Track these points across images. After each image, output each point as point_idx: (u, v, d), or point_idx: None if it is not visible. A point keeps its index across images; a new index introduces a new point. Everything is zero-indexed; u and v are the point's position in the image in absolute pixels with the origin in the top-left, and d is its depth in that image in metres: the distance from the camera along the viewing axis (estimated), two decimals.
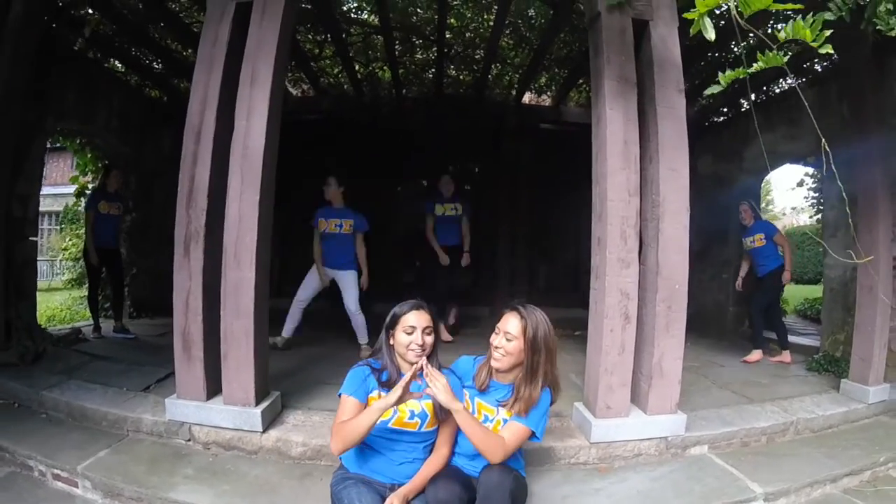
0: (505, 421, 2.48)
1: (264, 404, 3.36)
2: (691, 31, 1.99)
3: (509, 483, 2.29)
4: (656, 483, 3.12)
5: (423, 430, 2.47)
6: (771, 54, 2.04)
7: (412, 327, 2.45)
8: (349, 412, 2.36)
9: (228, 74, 3.43)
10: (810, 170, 9.36)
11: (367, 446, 2.44)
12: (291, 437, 3.29)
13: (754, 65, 2.10)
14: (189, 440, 3.42)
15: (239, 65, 3.41)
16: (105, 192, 6.25)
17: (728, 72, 2.17)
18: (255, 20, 3.42)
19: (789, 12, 2.08)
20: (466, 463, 2.54)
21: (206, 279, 3.33)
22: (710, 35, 1.98)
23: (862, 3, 2.99)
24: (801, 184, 9.58)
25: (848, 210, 3.93)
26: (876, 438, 3.87)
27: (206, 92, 3.40)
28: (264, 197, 3.27)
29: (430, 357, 2.49)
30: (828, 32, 1.89)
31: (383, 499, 2.26)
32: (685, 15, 2.00)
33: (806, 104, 2.80)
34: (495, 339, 2.48)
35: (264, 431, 3.32)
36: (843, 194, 3.02)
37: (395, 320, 2.52)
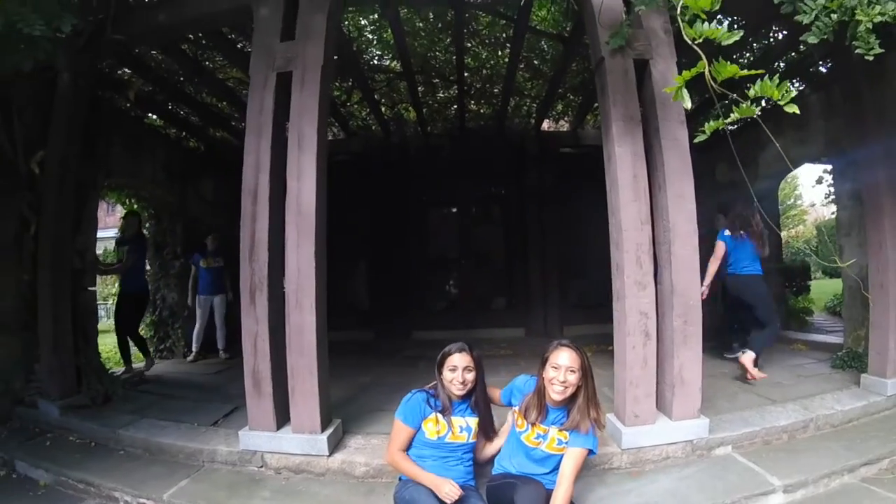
0: (559, 441, 2.91)
1: (329, 430, 3.76)
2: (673, 98, 2.37)
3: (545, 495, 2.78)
4: (683, 482, 3.41)
5: (469, 441, 3.06)
6: (744, 106, 2.39)
7: (454, 367, 3.00)
8: (401, 438, 2.99)
9: (276, 138, 3.89)
10: (829, 167, 9.51)
11: (423, 459, 2.97)
12: (355, 459, 3.67)
13: (731, 115, 2.45)
14: (261, 467, 3.80)
15: (284, 127, 3.88)
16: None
17: (711, 122, 2.53)
18: (296, 88, 3.87)
19: None
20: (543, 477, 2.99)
21: (271, 323, 3.75)
22: (687, 105, 2.36)
23: (846, 20, 3.26)
24: (819, 181, 9.71)
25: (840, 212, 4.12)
26: (894, 428, 4.01)
27: (258, 156, 3.85)
28: (319, 248, 3.71)
29: (474, 390, 3.07)
30: (793, 92, 2.24)
31: (437, 498, 2.74)
32: (666, 90, 2.37)
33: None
34: (556, 374, 2.87)
35: (330, 455, 3.70)
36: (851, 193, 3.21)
37: (442, 359, 3.05)
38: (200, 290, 7.54)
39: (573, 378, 2.85)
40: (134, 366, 6.70)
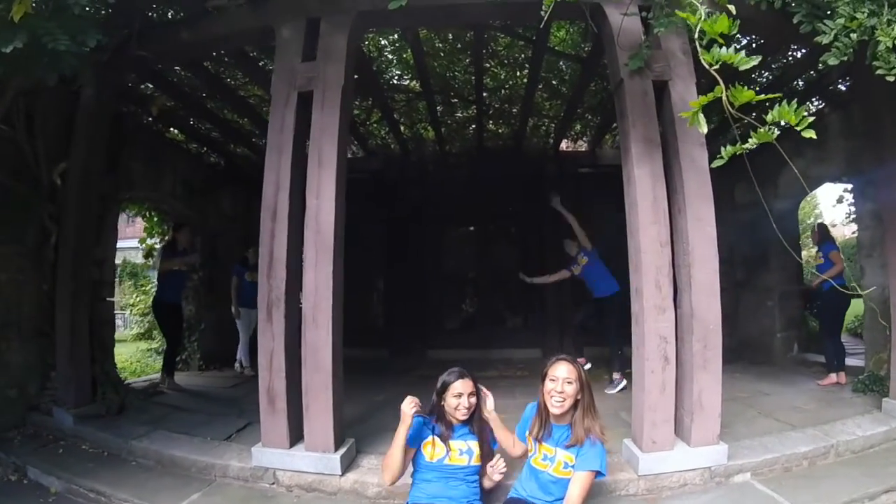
0: (566, 464, 2.87)
1: (342, 450, 3.75)
2: (689, 124, 2.35)
3: None
4: None
5: (471, 464, 3.05)
6: (762, 131, 2.37)
7: (460, 393, 3.05)
8: None
9: (297, 157, 3.93)
10: (849, 186, 9.39)
11: (428, 481, 3.01)
12: (367, 479, 3.66)
13: (749, 140, 2.42)
14: (273, 484, 3.79)
15: (305, 146, 3.91)
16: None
17: (729, 147, 2.50)
18: (317, 107, 3.92)
19: None
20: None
21: (287, 340, 3.76)
22: (704, 129, 2.35)
23: (866, 40, 3.22)
24: (840, 200, 9.59)
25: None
26: None
27: (278, 174, 3.89)
28: (336, 267, 3.73)
29: (473, 414, 3.12)
30: (810, 119, 2.21)
31: None
32: (682, 115, 2.36)
33: None
34: (554, 386, 2.89)
35: (343, 474, 3.69)
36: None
37: (445, 387, 3.10)
38: (243, 302, 7.42)
39: (570, 389, 2.87)
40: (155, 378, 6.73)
